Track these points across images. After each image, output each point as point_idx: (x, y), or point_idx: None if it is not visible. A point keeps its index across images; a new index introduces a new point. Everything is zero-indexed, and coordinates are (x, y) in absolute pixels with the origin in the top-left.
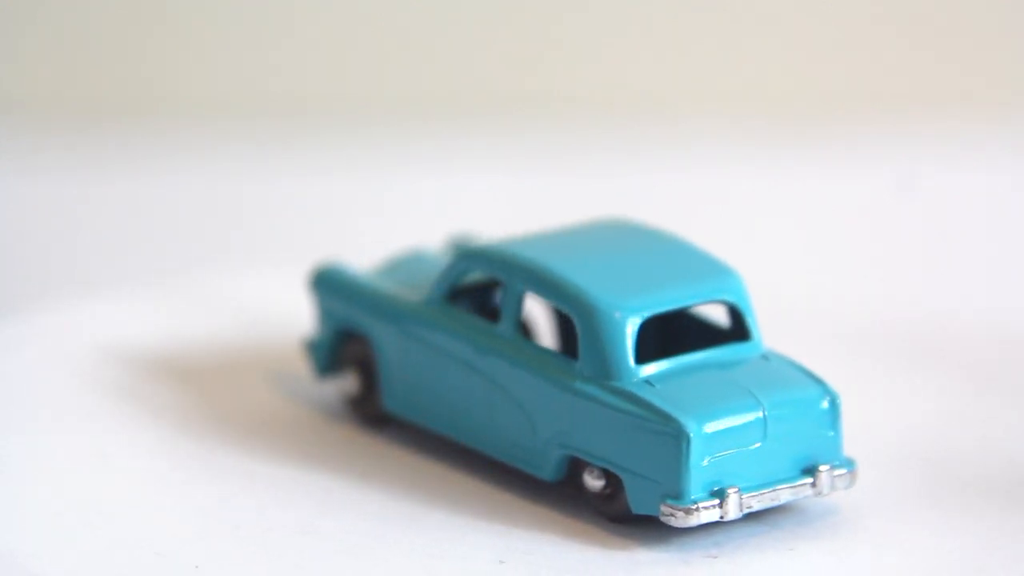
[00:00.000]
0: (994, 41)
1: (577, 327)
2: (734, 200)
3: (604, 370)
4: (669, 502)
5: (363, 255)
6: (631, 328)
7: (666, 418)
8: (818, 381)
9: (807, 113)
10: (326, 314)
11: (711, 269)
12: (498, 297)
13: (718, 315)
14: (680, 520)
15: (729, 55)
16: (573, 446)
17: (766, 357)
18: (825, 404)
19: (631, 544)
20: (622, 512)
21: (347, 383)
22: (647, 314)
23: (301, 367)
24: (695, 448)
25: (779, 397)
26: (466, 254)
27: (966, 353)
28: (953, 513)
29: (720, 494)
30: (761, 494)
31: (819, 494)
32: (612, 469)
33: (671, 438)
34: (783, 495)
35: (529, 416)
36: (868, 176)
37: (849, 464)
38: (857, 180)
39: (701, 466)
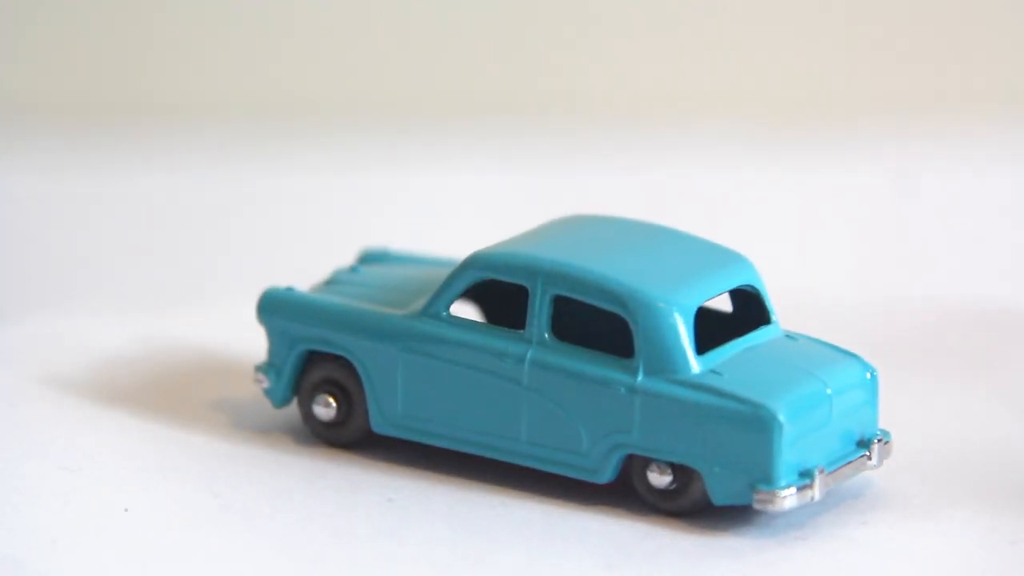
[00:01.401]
0: (997, 41)
1: (632, 325)
2: (728, 202)
3: (667, 364)
4: (762, 488)
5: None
6: (688, 319)
7: (753, 404)
8: (855, 356)
9: (806, 115)
10: (284, 339)
11: (726, 256)
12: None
13: (720, 302)
14: (776, 505)
15: (726, 57)
16: (636, 445)
17: (792, 337)
18: (868, 377)
19: (719, 533)
20: (689, 506)
21: (319, 408)
22: (698, 304)
23: (241, 395)
24: (786, 432)
25: (835, 375)
26: (476, 262)
27: (965, 349)
28: (967, 494)
29: (808, 475)
30: (835, 472)
31: (874, 467)
32: (686, 463)
33: (762, 424)
34: (850, 470)
35: (579, 421)
36: (868, 178)
37: (887, 435)
38: (857, 182)
39: (790, 449)
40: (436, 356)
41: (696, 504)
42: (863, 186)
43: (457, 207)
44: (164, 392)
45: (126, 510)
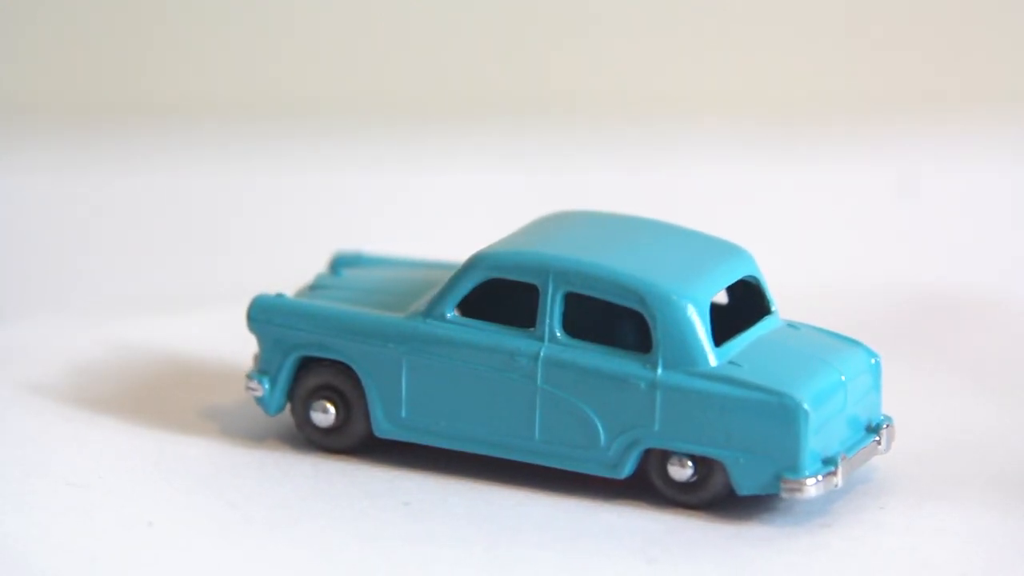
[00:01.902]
0: (998, 39)
1: (649, 320)
2: (729, 200)
3: (686, 358)
4: (789, 477)
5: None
6: (705, 312)
7: (778, 394)
8: (858, 343)
9: (806, 114)
10: (279, 346)
11: (726, 248)
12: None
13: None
14: (804, 493)
15: (726, 56)
16: (656, 439)
17: (794, 326)
18: (872, 363)
19: (744, 522)
20: (709, 498)
21: (317, 414)
22: (711, 296)
23: (226, 400)
24: (812, 420)
25: (846, 362)
26: (483, 262)
27: (964, 342)
28: (972, 476)
29: (832, 462)
30: (853, 458)
31: (883, 452)
32: (709, 455)
33: (789, 413)
34: (865, 456)
35: (597, 417)
36: (869, 176)
37: (891, 420)
38: (858, 180)
39: (815, 437)
40: (443, 358)
41: (717, 496)
42: (863, 184)
43: (455, 207)
44: (147, 400)
45: (150, 524)
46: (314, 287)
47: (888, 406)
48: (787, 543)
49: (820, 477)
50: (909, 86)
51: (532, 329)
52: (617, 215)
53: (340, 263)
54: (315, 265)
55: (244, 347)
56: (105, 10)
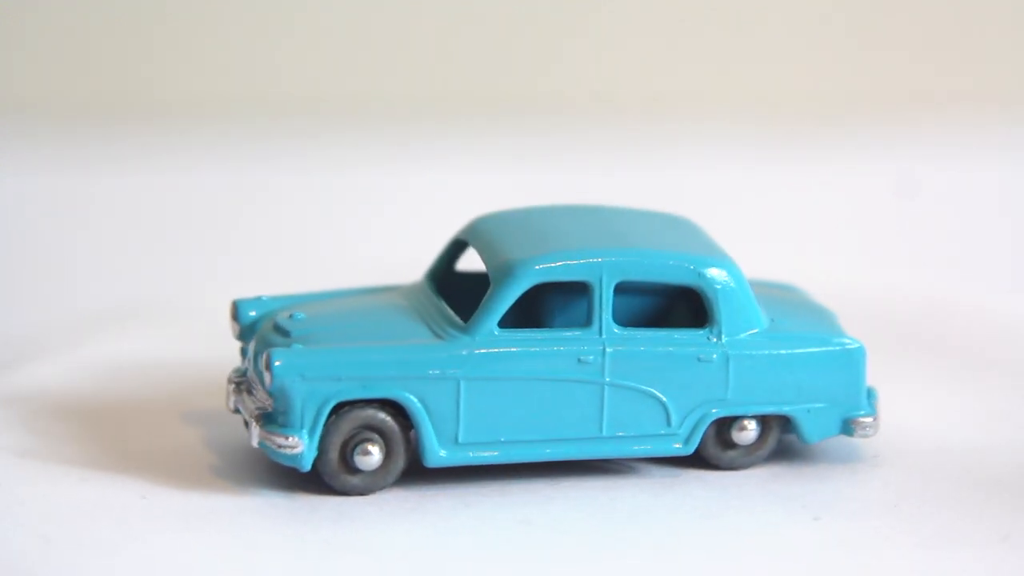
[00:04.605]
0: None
1: (708, 293)
2: (726, 199)
3: (744, 324)
4: (860, 416)
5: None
6: (743, 278)
7: (840, 342)
8: (791, 286)
9: (806, 113)
10: (314, 397)
11: (680, 219)
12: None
13: None
14: (873, 429)
15: (727, 57)
16: (728, 407)
17: None
18: None
19: (808, 466)
20: (765, 455)
21: (361, 458)
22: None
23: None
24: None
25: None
26: (529, 271)
27: (960, 342)
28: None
29: (870, 395)
30: None
31: None
32: (779, 412)
33: (854, 357)
34: None
35: (669, 398)
36: (866, 177)
37: None
38: (855, 181)
39: None
40: (502, 373)
41: (771, 452)
42: (862, 184)
43: (451, 206)
44: (122, 449)
45: None
46: (290, 334)
47: (887, 406)
48: (868, 475)
49: (880, 413)
50: (908, 87)
51: (586, 327)
52: (553, 207)
53: (242, 308)
54: (316, 266)
55: (185, 364)
56: (104, 10)
